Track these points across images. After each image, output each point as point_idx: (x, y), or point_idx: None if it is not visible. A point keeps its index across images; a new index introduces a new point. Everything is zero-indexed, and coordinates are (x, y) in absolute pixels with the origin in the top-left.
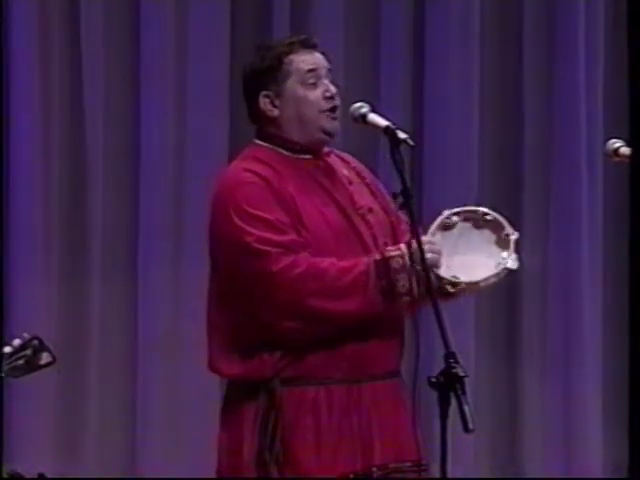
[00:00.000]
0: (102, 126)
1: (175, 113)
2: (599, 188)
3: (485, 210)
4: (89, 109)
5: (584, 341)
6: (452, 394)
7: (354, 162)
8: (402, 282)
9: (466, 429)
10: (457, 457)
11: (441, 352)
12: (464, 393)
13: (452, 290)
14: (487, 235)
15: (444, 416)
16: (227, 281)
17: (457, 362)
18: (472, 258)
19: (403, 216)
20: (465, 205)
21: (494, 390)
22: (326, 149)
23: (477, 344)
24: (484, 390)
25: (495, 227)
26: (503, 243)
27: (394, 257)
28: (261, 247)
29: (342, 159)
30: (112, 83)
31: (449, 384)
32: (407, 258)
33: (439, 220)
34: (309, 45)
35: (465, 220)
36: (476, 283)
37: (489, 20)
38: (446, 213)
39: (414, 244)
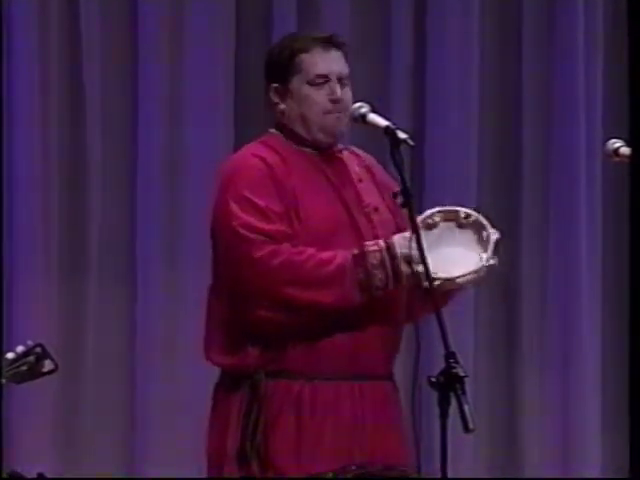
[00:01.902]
0: (101, 126)
1: (175, 113)
2: (598, 188)
3: (467, 211)
4: (89, 109)
5: (583, 341)
6: (452, 394)
7: (368, 159)
8: (379, 276)
9: (466, 429)
10: (457, 457)
11: (441, 352)
12: (464, 393)
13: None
14: (468, 234)
15: (444, 416)
16: (219, 265)
17: (457, 362)
18: (452, 256)
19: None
20: (463, 204)
21: (493, 390)
22: (340, 145)
23: (476, 344)
24: (483, 390)
25: (477, 227)
26: (484, 243)
27: (372, 252)
28: (244, 232)
29: (356, 155)
30: (111, 82)
31: (449, 384)
32: (385, 253)
33: (420, 218)
34: (333, 45)
35: (446, 220)
36: (453, 279)
37: (489, 20)
38: (428, 212)
39: (393, 240)
